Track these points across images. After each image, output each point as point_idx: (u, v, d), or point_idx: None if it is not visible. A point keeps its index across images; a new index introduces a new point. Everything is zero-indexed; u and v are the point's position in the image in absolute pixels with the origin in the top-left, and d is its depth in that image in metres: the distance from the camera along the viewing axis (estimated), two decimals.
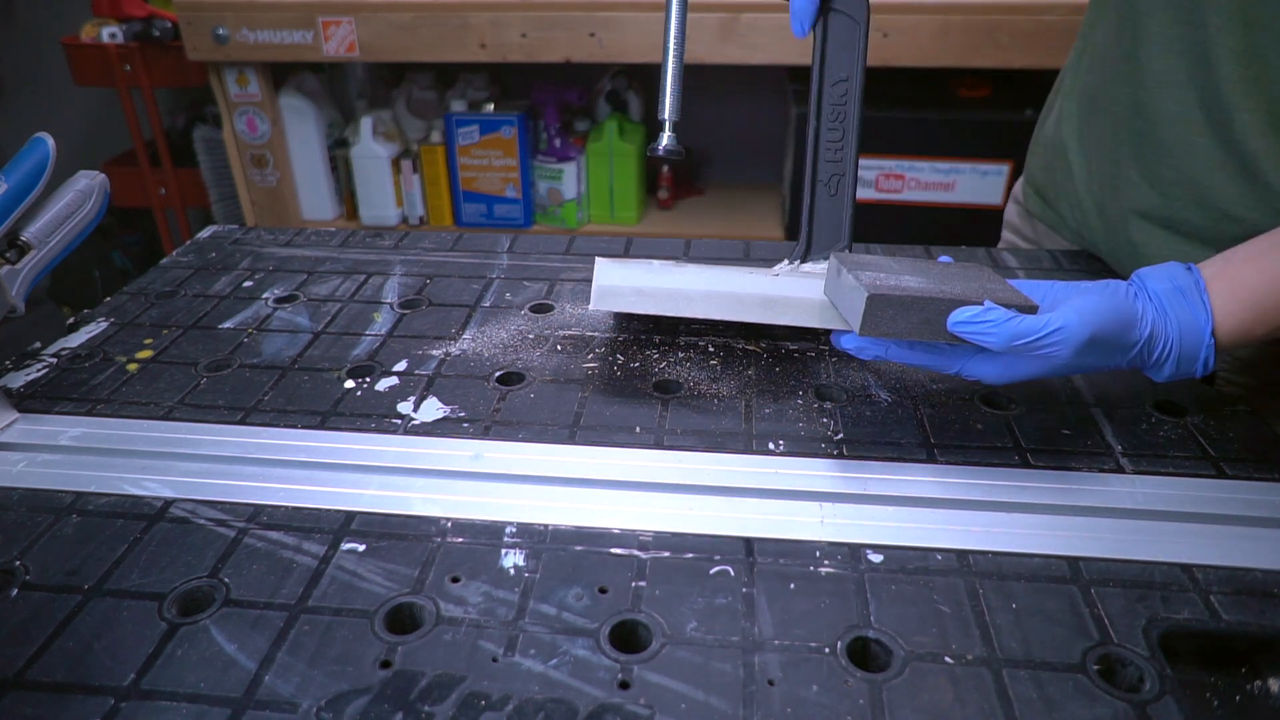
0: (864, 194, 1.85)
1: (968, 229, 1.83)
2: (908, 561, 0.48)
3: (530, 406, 0.62)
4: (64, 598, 0.46)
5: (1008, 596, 0.46)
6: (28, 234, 0.59)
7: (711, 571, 0.47)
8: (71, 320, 0.74)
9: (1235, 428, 0.59)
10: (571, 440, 0.58)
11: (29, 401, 0.63)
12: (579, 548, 0.49)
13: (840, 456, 0.57)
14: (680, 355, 0.68)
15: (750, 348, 0.69)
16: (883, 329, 0.52)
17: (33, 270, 0.60)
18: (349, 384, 0.65)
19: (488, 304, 0.77)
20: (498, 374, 0.66)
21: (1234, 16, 0.62)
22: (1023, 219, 0.95)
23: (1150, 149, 0.71)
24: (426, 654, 0.42)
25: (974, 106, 1.80)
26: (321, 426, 0.60)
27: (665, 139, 0.67)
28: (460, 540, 0.50)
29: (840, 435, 0.59)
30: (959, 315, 0.51)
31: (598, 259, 0.66)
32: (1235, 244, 0.68)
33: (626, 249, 0.88)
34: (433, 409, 0.62)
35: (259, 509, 0.52)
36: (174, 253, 0.88)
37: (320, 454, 0.57)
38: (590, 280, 0.81)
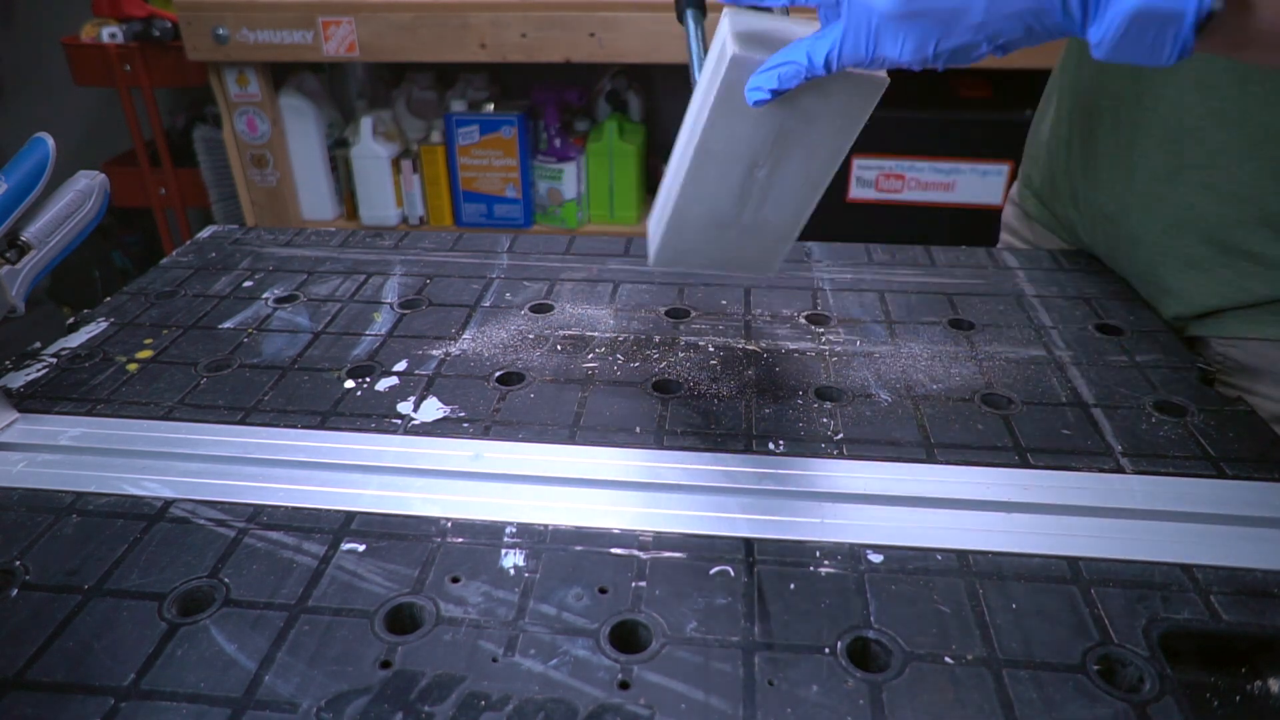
0: (864, 194, 1.85)
1: (967, 229, 1.83)
2: (908, 561, 0.48)
3: (530, 406, 0.62)
4: (64, 598, 0.46)
5: (1008, 596, 0.46)
6: (28, 234, 0.59)
7: (711, 571, 0.47)
8: (71, 320, 0.74)
9: (1235, 428, 0.59)
10: (571, 440, 0.58)
11: (29, 401, 0.63)
12: (579, 548, 0.49)
13: (840, 456, 0.57)
14: (680, 355, 0.68)
15: (750, 348, 0.69)
16: None
17: (33, 270, 0.60)
18: (349, 384, 0.65)
19: (488, 304, 0.77)
20: (498, 374, 0.66)
21: None
22: (1020, 220, 0.95)
23: (1152, 138, 0.71)
24: (426, 654, 0.42)
25: (974, 106, 1.81)
26: (321, 426, 0.60)
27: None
28: (460, 540, 0.50)
29: (840, 435, 0.59)
30: None
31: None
32: (1241, 228, 0.67)
33: (626, 249, 0.88)
34: (433, 409, 0.62)
35: (259, 509, 0.52)
36: (174, 253, 0.88)
37: (320, 454, 0.57)
38: (589, 281, 0.81)
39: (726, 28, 0.50)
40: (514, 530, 0.50)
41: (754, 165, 0.56)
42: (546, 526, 0.51)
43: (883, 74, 0.50)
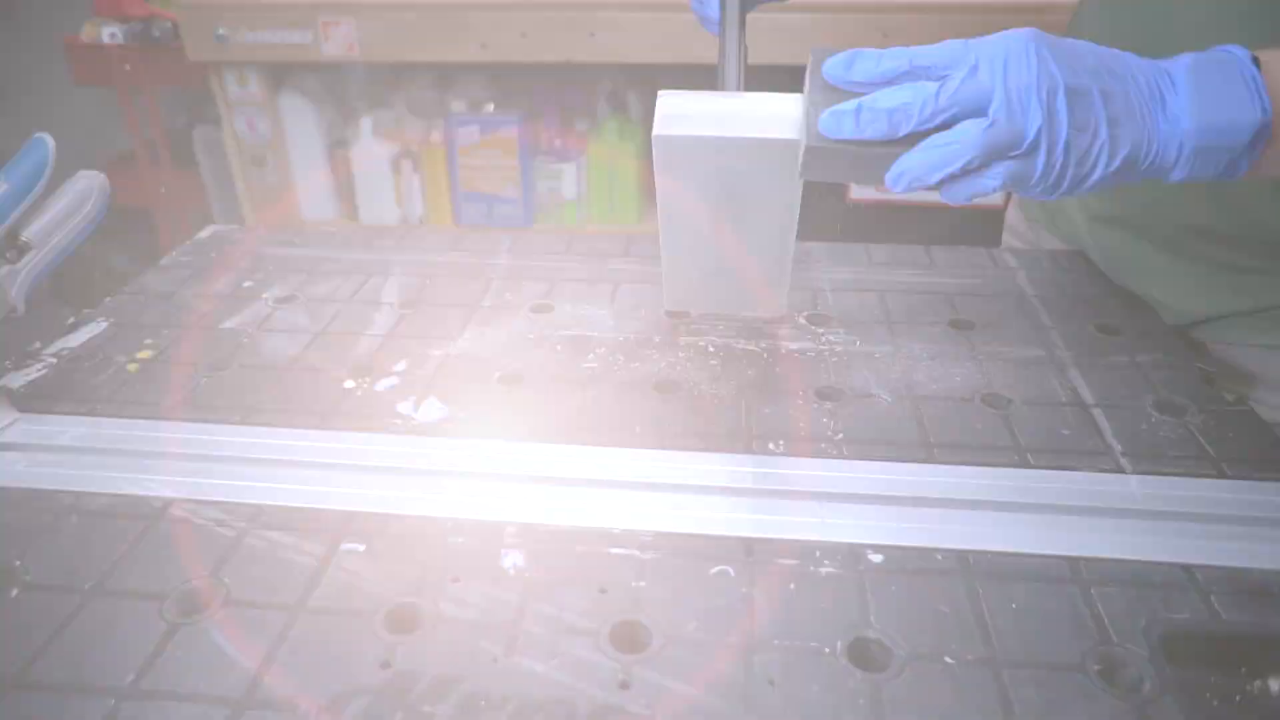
0: (864, 194, 1.85)
1: (968, 229, 1.83)
2: (908, 561, 0.48)
3: (530, 406, 0.62)
4: (64, 598, 0.46)
5: (1008, 596, 0.46)
6: (28, 234, 0.59)
7: (711, 571, 0.47)
8: (71, 320, 0.74)
9: (1235, 428, 0.59)
10: (571, 440, 0.58)
11: (29, 401, 0.63)
12: (579, 548, 0.49)
13: (840, 456, 0.57)
14: (680, 355, 0.68)
15: (750, 348, 0.69)
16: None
17: (33, 270, 0.60)
18: (349, 384, 0.65)
19: (488, 304, 0.77)
20: (498, 374, 0.66)
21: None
22: (1022, 221, 0.96)
23: None
24: (426, 654, 0.42)
25: None
26: (321, 426, 0.60)
27: None
28: (460, 540, 0.50)
29: (840, 435, 0.59)
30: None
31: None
32: (1227, 247, 0.68)
33: (626, 249, 0.88)
34: (433, 409, 0.62)
35: (259, 509, 0.52)
36: (174, 253, 0.88)
37: (320, 454, 0.57)
38: (589, 281, 0.81)
39: (657, 109, 0.56)
40: (514, 530, 0.50)
41: (716, 221, 0.63)
42: (546, 527, 0.51)
43: (791, 135, 0.54)
